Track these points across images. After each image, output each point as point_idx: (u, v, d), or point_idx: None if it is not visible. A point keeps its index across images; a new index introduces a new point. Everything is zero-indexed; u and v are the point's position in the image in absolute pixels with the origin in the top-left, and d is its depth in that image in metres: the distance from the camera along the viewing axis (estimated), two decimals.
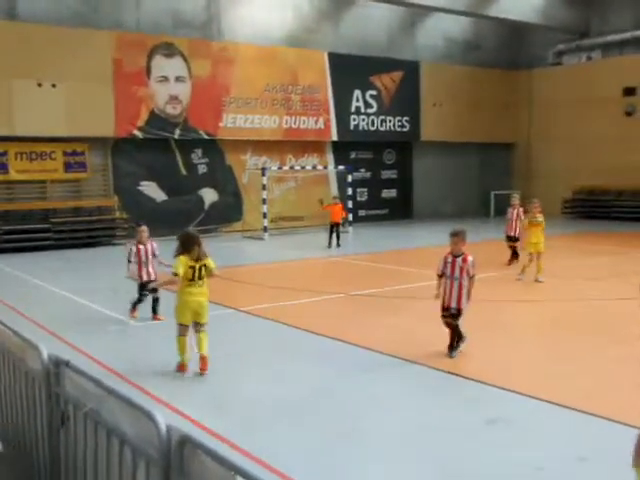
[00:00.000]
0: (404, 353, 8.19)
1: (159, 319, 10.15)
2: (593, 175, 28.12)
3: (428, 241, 21.36)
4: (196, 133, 23.57)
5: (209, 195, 24.59)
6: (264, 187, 23.16)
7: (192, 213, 23.77)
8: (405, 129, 28.78)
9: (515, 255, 15.22)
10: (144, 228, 10.44)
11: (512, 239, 15.34)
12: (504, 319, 10.39)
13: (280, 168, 25.26)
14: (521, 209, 15.42)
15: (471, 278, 7.98)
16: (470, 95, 29.77)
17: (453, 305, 8.00)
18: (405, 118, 28.65)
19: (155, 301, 10.32)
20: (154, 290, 10.15)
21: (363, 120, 27.55)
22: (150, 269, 10.30)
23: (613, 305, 11.00)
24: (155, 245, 10.42)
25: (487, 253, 16.02)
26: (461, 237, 8.09)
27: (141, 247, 10.28)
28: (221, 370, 7.74)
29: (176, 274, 7.43)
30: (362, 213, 27.94)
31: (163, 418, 3.13)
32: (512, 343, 8.90)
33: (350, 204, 24.67)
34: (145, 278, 10.27)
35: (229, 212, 24.91)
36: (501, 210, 30.18)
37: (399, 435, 5.95)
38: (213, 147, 24.50)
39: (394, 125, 28.46)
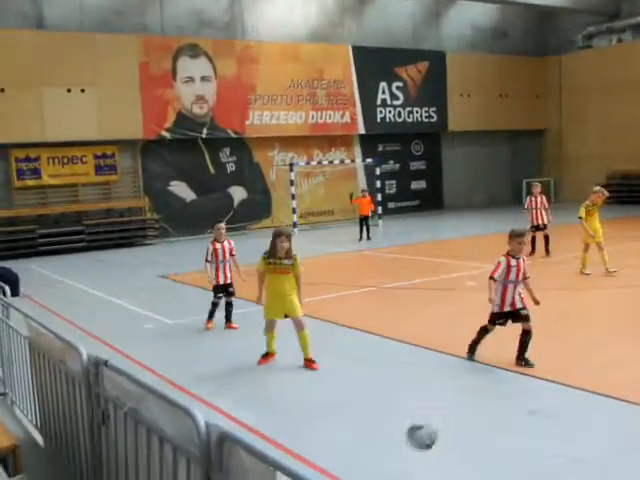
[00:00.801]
0: (443, 346, 8.12)
1: (233, 327, 9.52)
2: (627, 160, 27.61)
3: (460, 232, 21.19)
4: (223, 132, 23.69)
5: (238, 193, 24.70)
6: (292, 183, 23.18)
7: (221, 211, 23.84)
8: (433, 120, 28.56)
9: (546, 243, 14.78)
10: (222, 225, 9.68)
11: (538, 228, 14.88)
12: (551, 308, 10.25)
13: (308, 163, 25.26)
14: (544, 197, 15.07)
15: (525, 280, 7.40)
16: (498, 83, 29.43)
17: (520, 306, 7.31)
18: (432, 109, 28.43)
19: (229, 306, 9.61)
20: (230, 294, 9.54)
21: (390, 112, 27.40)
22: (227, 271, 9.51)
23: None
24: (233, 244, 9.71)
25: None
26: (526, 238, 7.63)
27: (218, 246, 9.54)
28: (259, 367, 7.77)
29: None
30: (392, 205, 27.82)
31: (202, 415, 3.14)
32: (565, 333, 8.78)
33: (379, 197, 24.57)
34: (222, 281, 9.48)
35: (258, 209, 25.00)
36: None
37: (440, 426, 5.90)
38: (240, 145, 24.60)
39: (421, 116, 28.26)
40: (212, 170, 24.16)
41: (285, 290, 7.52)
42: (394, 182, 28.34)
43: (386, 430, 5.86)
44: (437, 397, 6.61)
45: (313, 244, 19.90)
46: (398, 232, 22.57)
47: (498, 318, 7.39)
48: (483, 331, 7.52)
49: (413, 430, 4.56)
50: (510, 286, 7.28)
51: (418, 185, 29.34)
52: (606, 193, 12.64)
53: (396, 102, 27.55)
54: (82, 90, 20.89)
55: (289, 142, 25.50)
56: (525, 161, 31.49)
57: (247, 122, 24.11)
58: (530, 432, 5.63)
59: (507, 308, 7.31)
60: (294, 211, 23.23)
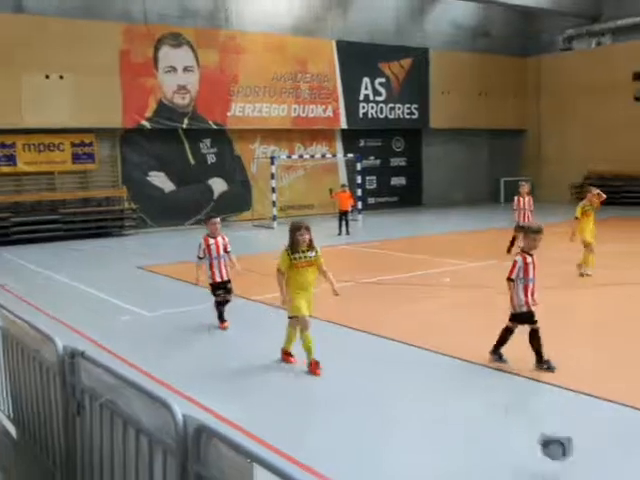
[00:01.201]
0: (420, 341, 8.16)
1: (225, 327, 9.04)
2: (603, 161, 27.93)
3: (438, 229, 21.30)
4: (205, 123, 23.54)
5: (218, 185, 24.59)
6: (273, 176, 23.13)
7: (201, 203, 23.79)
8: (414, 116, 28.65)
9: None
10: (217, 220, 9.12)
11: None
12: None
13: (289, 157, 25.22)
14: (531, 198, 15.02)
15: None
16: (479, 82, 29.60)
17: (533, 307, 7.13)
18: (414, 105, 28.51)
19: (226, 304, 9.13)
20: (228, 291, 9.05)
21: (372, 108, 27.43)
22: (223, 268, 9.01)
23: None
24: (227, 240, 9.14)
25: (507, 239, 15.94)
26: (542, 234, 7.26)
27: (211, 242, 8.95)
28: (238, 360, 7.75)
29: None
30: (372, 201, 27.88)
31: (179, 407, 3.12)
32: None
33: (359, 192, 24.61)
34: (218, 279, 8.98)
35: (238, 201, 24.91)
36: (511, 197, 30.08)
37: (422, 423, 5.94)
38: (222, 137, 24.48)
39: (403, 112, 28.33)
40: (192, 161, 24.01)
41: (311, 283, 7.30)
42: (374, 178, 28.40)
43: (368, 425, 5.87)
44: (415, 392, 6.65)
45: None
46: (377, 227, 22.63)
47: (525, 317, 7.09)
48: (507, 332, 7.25)
49: (547, 443, 4.78)
50: (530, 285, 7.09)
51: (398, 181, 29.44)
52: (603, 195, 12.65)
53: (379, 98, 27.59)
54: (61, 77, 20.61)
55: (271, 135, 25.43)
56: (504, 160, 31.72)
57: (229, 113, 23.98)
58: (505, 427, 5.69)
59: (527, 307, 7.07)
60: (274, 204, 23.19)
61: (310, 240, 7.26)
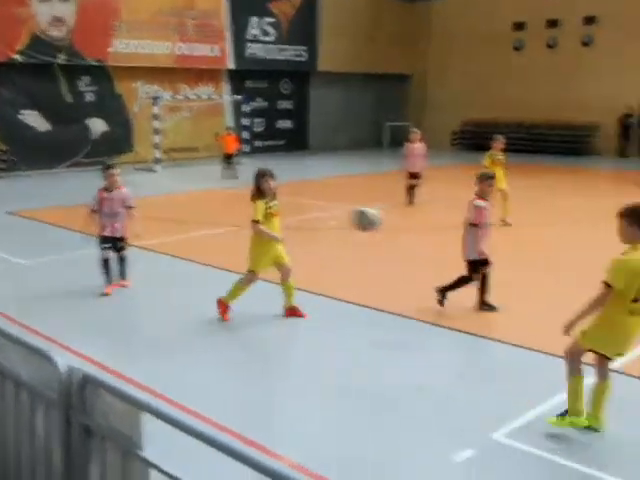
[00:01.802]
0: (305, 284, 8.30)
1: (125, 285, 8.31)
2: (482, 108, 28.96)
3: (325, 172, 21.54)
4: (83, 59, 22.24)
5: (97, 125, 23.44)
6: (156, 117, 22.35)
7: (78, 144, 22.66)
8: (302, 59, 28.38)
9: (412, 193, 14.68)
10: (115, 171, 8.12)
11: (414, 176, 14.65)
12: (392, 247, 10.74)
13: (173, 97, 24.41)
14: (422, 144, 14.80)
15: None
16: (368, 26, 29.58)
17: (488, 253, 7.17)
18: (303, 48, 28.21)
19: (122, 262, 8.30)
20: (121, 248, 8.18)
21: (260, 48, 26.92)
22: (117, 224, 8.07)
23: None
24: (127, 192, 8.20)
25: (392, 183, 16.35)
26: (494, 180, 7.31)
27: (106, 195, 8.06)
28: (116, 307, 7.60)
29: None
30: (258, 144, 27.59)
31: (62, 359, 3.05)
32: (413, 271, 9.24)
33: (247, 135, 24.30)
34: (108, 233, 8.06)
35: (119, 143, 23.88)
36: (395, 141, 30.76)
37: (292, 355, 6.11)
38: (102, 74, 23.22)
39: (292, 54, 28.01)
40: (69, 99, 22.72)
41: (279, 233, 7.10)
42: (262, 120, 28.05)
43: (249, 367, 5.98)
44: (289, 328, 6.82)
45: (176, 182, 19.44)
46: None
47: (481, 264, 7.13)
48: (464, 280, 7.28)
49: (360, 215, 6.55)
50: (487, 230, 7.15)
51: (285, 124, 29.25)
52: (503, 140, 12.87)
53: (267, 38, 27.06)
54: None
55: (154, 73, 24.40)
56: (389, 105, 32.18)
57: (110, 49, 22.75)
58: (377, 362, 5.99)
59: (486, 253, 7.13)
60: (157, 147, 22.48)
61: (275, 187, 7.08)
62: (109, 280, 8.06)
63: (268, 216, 6.95)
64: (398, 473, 4.36)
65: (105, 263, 8.04)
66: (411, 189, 14.77)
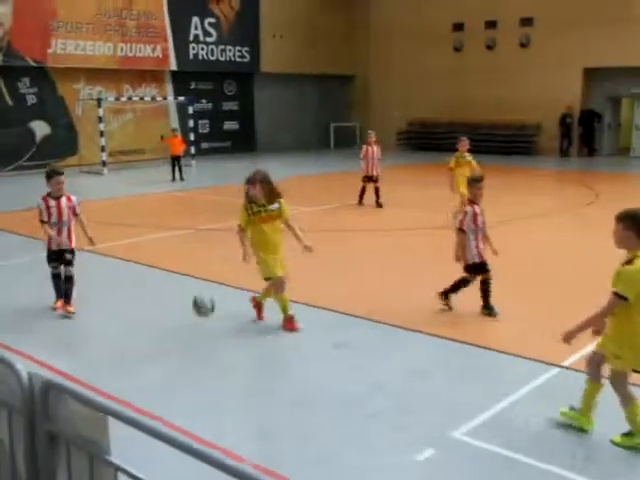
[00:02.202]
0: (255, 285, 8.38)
1: (68, 311, 7.51)
2: (425, 108, 29.38)
3: (275, 174, 21.48)
4: (21, 60, 21.76)
5: (40, 128, 22.99)
6: (101, 119, 22.03)
7: (22, 148, 22.19)
8: (245, 59, 28.35)
9: (377, 195, 14.58)
10: (61, 178, 7.44)
11: (371, 179, 14.66)
12: (351, 248, 10.91)
13: (117, 99, 24.10)
14: (378, 147, 14.77)
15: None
16: (310, 26, 29.69)
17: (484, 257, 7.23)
18: (245, 48, 28.19)
19: (67, 282, 7.57)
20: (68, 263, 7.52)
21: (202, 49, 26.77)
22: (64, 234, 7.52)
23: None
24: (75, 200, 7.62)
25: (343, 182, 16.49)
26: (484, 182, 7.34)
27: (52, 204, 7.40)
28: (82, 317, 7.54)
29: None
30: (205, 146, 27.46)
31: (23, 366, 3.08)
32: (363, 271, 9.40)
33: (192, 136, 24.16)
34: (54, 246, 7.48)
35: (63, 146, 23.45)
36: (341, 142, 31.01)
37: (249, 357, 6.20)
38: (42, 75, 22.77)
39: (234, 55, 27.93)
40: (10, 102, 22.19)
41: (278, 244, 6.84)
42: (207, 122, 27.94)
43: (202, 365, 6.04)
44: (242, 335, 6.90)
45: (124, 184, 19.23)
46: (211, 173, 22.46)
47: (478, 267, 7.20)
48: (462, 283, 7.33)
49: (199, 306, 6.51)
50: (480, 234, 7.22)
51: (231, 126, 29.17)
52: (467, 141, 12.86)
53: (209, 39, 26.95)
54: None
55: (96, 75, 24.04)
56: (334, 106, 32.37)
57: (49, 50, 22.30)
58: (336, 363, 6.13)
59: (481, 258, 7.19)
60: (103, 149, 22.16)
61: (270, 191, 6.79)
62: (60, 295, 7.66)
63: (256, 222, 6.78)
64: (360, 472, 4.41)
65: (55, 277, 7.65)
66: (364, 192, 14.75)
